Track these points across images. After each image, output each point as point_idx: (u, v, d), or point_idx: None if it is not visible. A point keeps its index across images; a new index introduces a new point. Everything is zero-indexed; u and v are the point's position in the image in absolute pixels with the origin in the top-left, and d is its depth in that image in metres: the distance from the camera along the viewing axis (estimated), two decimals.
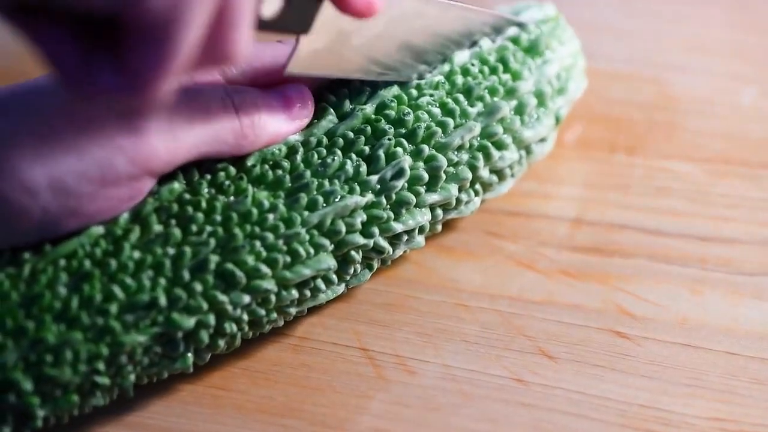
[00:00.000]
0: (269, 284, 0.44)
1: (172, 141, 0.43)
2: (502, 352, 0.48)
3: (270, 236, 0.44)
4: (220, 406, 0.46)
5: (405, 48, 0.48)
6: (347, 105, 0.48)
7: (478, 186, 0.50)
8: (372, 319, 0.49)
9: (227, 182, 0.45)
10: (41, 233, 0.43)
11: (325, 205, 0.46)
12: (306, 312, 0.48)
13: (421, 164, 0.48)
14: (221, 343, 0.45)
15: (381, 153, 0.47)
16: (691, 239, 0.52)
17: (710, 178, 0.55)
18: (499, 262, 0.51)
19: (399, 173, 0.47)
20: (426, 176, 0.47)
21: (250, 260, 0.44)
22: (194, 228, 0.44)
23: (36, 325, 0.42)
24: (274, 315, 0.46)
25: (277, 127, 0.46)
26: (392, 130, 0.48)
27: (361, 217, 0.46)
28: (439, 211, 0.49)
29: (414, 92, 0.49)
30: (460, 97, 0.49)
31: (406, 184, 0.47)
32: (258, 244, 0.44)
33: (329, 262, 0.46)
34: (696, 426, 0.45)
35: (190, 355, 0.45)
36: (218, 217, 0.44)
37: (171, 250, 0.44)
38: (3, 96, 0.42)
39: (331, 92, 0.49)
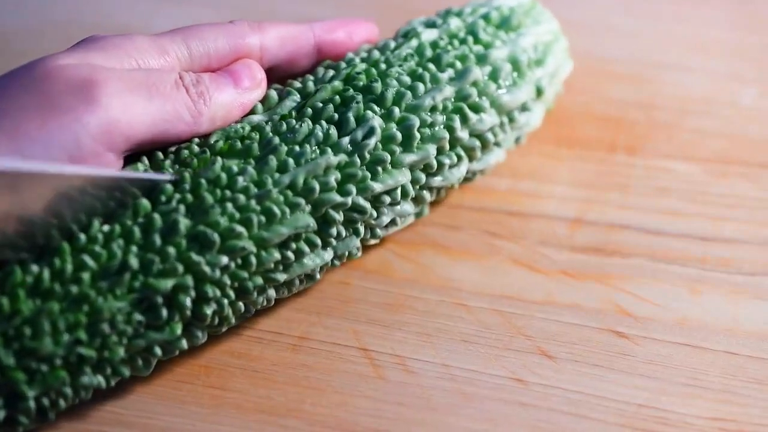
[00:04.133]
0: (246, 243, 0.44)
1: (132, 116, 0.44)
2: (501, 352, 0.48)
3: (241, 197, 0.44)
4: (219, 406, 0.46)
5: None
6: (311, 86, 0.49)
7: (461, 150, 0.50)
8: (371, 319, 0.49)
9: (191, 157, 0.46)
10: None
11: (295, 166, 0.46)
12: (299, 284, 0.47)
13: (393, 125, 0.48)
14: (208, 311, 0.44)
15: (350, 116, 0.47)
16: (691, 239, 0.52)
17: (710, 178, 0.55)
18: (499, 262, 0.51)
19: (370, 132, 0.47)
20: (399, 135, 0.47)
21: (223, 221, 0.44)
22: (163, 198, 0.44)
23: (10, 300, 0.42)
24: (260, 280, 0.45)
25: (229, 100, 0.48)
26: (360, 96, 0.48)
27: (335, 176, 0.46)
28: (421, 174, 0.49)
29: (383, 66, 0.49)
30: (430, 65, 0.50)
31: (379, 144, 0.47)
32: (230, 205, 0.44)
33: (307, 220, 0.45)
34: (695, 426, 0.45)
35: (177, 325, 0.44)
36: (186, 186, 0.45)
37: (141, 219, 0.44)
38: None
39: (294, 79, 0.50)
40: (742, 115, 0.58)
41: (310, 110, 0.48)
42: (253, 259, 0.44)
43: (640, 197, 0.54)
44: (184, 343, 0.45)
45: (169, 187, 0.45)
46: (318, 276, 0.48)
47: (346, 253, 0.48)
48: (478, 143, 0.50)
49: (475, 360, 0.47)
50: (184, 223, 0.44)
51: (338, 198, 0.46)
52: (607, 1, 0.66)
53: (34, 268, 0.42)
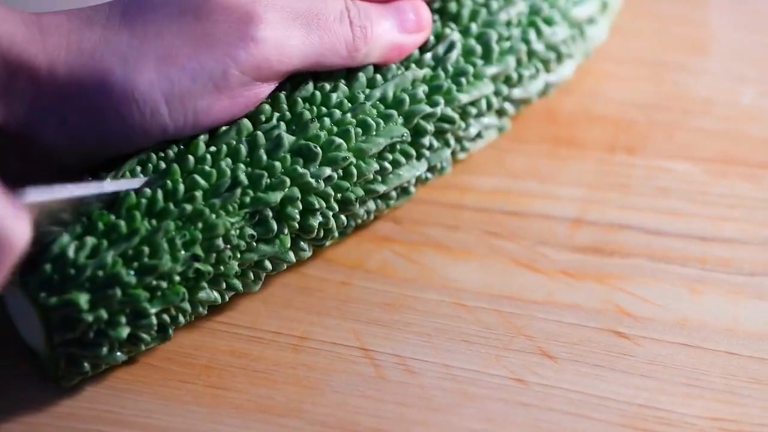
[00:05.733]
0: (345, 154, 0.46)
1: (285, 51, 0.45)
2: (502, 352, 0.48)
3: (337, 112, 0.47)
4: (219, 406, 0.46)
5: None
6: None
7: (537, 63, 0.53)
8: (372, 319, 0.49)
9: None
10: (162, 141, 0.45)
11: (383, 81, 0.48)
12: (396, 197, 0.50)
13: (471, 40, 0.50)
14: (314, 222, 0.47)
15: (429, 35, 0.50)
16: (691, 239, 0.52)
17: (710, 178, 0.55)
18: (499, 262, 0.51)
19: (450, 46, 0.50)
20: (479, 49, 0.50)
21: (323, 135, 0.46)
22: (263, 117, 0.46)
23: (127, 222, 0.43)
24: (361, 191, 0.48)
25: (388, 40, 0.48)
26: (437, 16, 0.51)
27: (422, 88, 0.49)
28: (503, 86, 0.51)
29: None
30: None
31: (461, 58, 0.50)
32: (327, 120, 0.47)
33: (401, 130, 0.48)
34: (696, 426, 0.45)
35: (286, 237, 0.46)
36: (284, 105, 0.47)
37: (245, 138, 0.46)
38: (128, 11, 0.45)
39: None
40: (742, 115, 0.58)
41: None
42: (354, 170, 0.47)
43: (640, 197, 0.54)
44: (292, 256, 0.47)
45: (267, 106, 0.47)
46: (412, 190, 0.50)
47: (438, 165, 0.51)
48: (553, 55, 0.53)
49: (475, 360, 0.47)
50: (287, 138, 0.46)
51: (427, 108, 0.48)
52: None
53: (147, 191, 0.44)
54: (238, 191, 0.44)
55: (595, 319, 0.49)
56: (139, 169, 0.45)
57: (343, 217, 0.48)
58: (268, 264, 0.47)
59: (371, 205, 0.49)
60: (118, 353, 0.44)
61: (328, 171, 0.46)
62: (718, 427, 0.45)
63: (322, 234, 0.48)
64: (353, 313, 0.49)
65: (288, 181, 0.45)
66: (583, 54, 0.56)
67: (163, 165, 0.45)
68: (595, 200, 0.54)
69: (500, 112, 0.53)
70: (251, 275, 0.47)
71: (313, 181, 0.46)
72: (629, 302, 0.49)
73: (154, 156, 0.45)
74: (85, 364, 0.44)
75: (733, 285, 0.50)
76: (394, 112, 0.48)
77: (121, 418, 0.45)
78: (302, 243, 0.48)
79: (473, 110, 0.50)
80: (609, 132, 0.58)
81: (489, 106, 0.51)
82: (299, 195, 0.46)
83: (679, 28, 0.64)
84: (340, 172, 0.47)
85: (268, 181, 0.45)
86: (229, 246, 0.45)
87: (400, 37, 0.49)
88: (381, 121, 0.48)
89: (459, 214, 0.53)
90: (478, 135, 0.52)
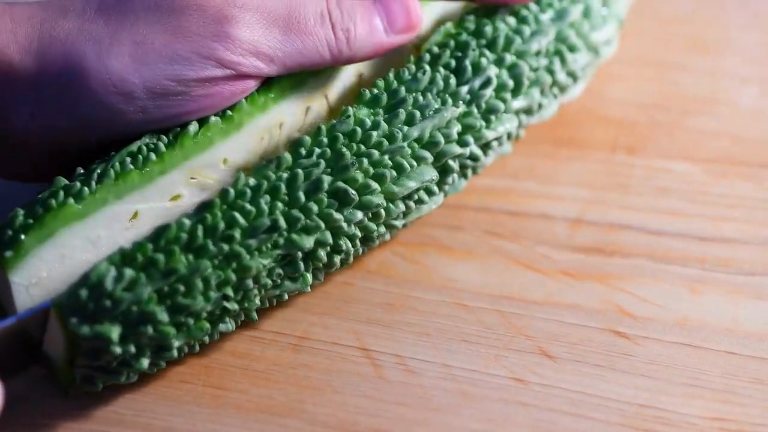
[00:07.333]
0: (379, 199, 0.46)
1: (263, 50, 0.45)
2: (502, 352, 0.48)
3: (375, 153, 0.46)
4: (219, 406, 0.46)
5: None
6: None
7: (555, 90, 0.52)
8: (372, 319, 0.49)
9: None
10: (145, 129, 0.45)
11: (422, 118, 0.47)
12: (409, 226, 0.50)
13: (504, 72, 0.49)
14: (336, 260, 0.47)
15: (467, 64, 0.49)
16: (691, 239, 0.52)
17: (710, 178, 0.55)
18: (499, 262, 0.51)
19: (486, 82, 0.49)
20: (511, 83, 0.49)
21: (360, 177, 0.46)
22: (303, 151, 0.46)
23: (166, 257, 0.42)
24: (383, 229, 0.48)
25: (375, 40, 0.47)
26: (474, 41, 0.49)
27: (456, 128, 0.48)
28: (524, 116, 0.51)
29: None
30: (532, 5, 0.51)
31: (493, 93, 0.49)
32: (365, 161, 0.46)
33: (432, 173, 0.47)
34: (696, 426, 0.45)
35: (309, 275, 0.46)
36: (324, 139, 0.46)
37: (284, 174, 0.45)
38: (104, 2, 0.45)
39: None
40: (742, 115, 0.58)
41: (427, 55, 0.49)
42: (383, 212, 0.47)
43: (640, 197, 0.54)
44: (309, 287, 0.47)
45: (306, 138, 0.46)
46: (427, 213, 0.50)
47: (451, 192, 0.50)
48: (571, 81, 0.53)
49: (475, 360, 0.47)
50: (326, 180, 0.45)
51: (458, 149, 0.48)
52: None
53: (187, 222, 0.43)
54: (275, 234, 0.44)
55: (596, 319, 0.49)
56: (129, 160, 0.44)
57: (360, 249, 0.48)
58: (286, 296, 0.47)
59: (387, 236, 0.49)
60: (132, 375, 0.45)
61: (360, 215, 0.46)
62: (719, 427, 0.45)
63: (339, 265, 0.48)
64: (353, 313, 0.49)
65: (323, 225, 0.45)
66: (592, 73, 0.56)
67: (153, 156, 0.44)
68: (595, 200, 0.54)
69: (515, 138, 0.52)
70: (267, 304, 0.47)
71: (345, 225, 0.46)
72: (629, 302, 0.49)
73: (144, 147, 0.45)
74: (99, 384, 0.44)
75: (733, 285, 0.50)
76: (428, 154, 0.47)
77: (123, 419, 0.45)
78: (319, 274, 0.48)
79: (496, 144, 0.50)
80: (609, 132, 0.58)
81: (509, 137, 0.51)
82: (331, 240, 0.45)
83: (680, 29, 0.64)
84: (370, 214, 0.46)
85: (304, 223, 0.45)
86: (257, 285, 0.45)
87: (387, 39, 0.48)
88: (414, 163, 0.47)
89: (460, 214, 0.53)
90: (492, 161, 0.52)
